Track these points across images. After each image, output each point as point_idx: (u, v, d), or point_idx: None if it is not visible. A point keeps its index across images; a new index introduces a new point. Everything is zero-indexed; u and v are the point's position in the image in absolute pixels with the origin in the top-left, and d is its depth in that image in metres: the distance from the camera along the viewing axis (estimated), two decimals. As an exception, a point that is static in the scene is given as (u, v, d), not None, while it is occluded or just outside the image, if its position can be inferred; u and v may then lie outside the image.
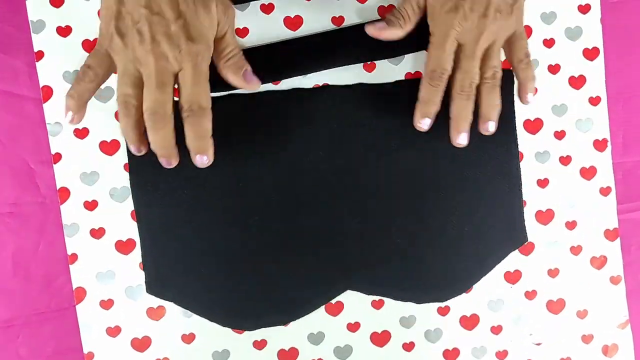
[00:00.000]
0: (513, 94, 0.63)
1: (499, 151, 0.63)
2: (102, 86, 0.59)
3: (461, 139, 0.58)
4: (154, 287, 0.61)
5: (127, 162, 0.61)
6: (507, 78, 0.62)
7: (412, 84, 0.61)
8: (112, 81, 0.59)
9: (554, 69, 0.64)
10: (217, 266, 0.62)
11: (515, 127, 0.64)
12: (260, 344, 0.63)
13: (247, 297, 0.62)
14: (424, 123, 0.59)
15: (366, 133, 0.62)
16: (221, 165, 0.60)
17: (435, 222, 0.63)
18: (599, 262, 0.65)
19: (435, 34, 0.57)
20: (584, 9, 0.64)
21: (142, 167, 0.61)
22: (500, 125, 0.59)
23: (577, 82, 0.64)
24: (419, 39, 0.60)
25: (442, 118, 0.59)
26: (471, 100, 0.57)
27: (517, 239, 0.64)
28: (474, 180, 0.63)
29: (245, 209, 0.61)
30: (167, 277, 0.61)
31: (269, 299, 0.62)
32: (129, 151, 0.60)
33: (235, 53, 0.55)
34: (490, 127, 0.59)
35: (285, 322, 0.63)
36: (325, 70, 0.62)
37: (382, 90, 0.63)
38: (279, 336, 0.63)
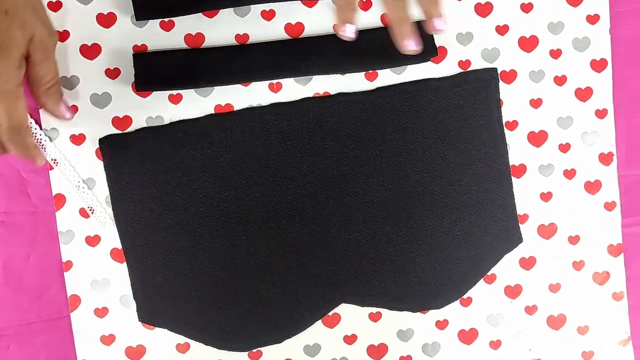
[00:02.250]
0: (498, 93, 0.62)
1: (487, 151, 0.62)
2: (100, 92, 0.59)
3: (409, 45, 0.52)
4: (145, 315, 0.61)
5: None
6: (491, 77, 0.62)
7: (395, 90, 0.61)
8: (110, 88, 0.59)
9: (560, 80, 0.63)
10: (207, 289, 0.61)
11: (503, 126, 0.63)
12: (255, 355, 0.62)
13: (240, 318, 0.61)
14: (346, 30, 0.53)
15: (351, 142, 0.61)
16: (204, 187, 0.60)
17: (425, 228, 0.62)
18: (602, 278, 0.64)
19: None
20: (593, 20, 0.63)
21: (123, 198, 0.60)
22: (486, 124, 0.59)
23: (583, 94, 0.63)
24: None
25: (427, 122, 0.59)
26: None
27: (511, 240, 0.63)
28: (463, 183, 0.62)
29: (232, 229, 0.61)
30: (158, 304, 0.61)
31: (262, 319, 0.61)
32: (109, 181, 0.60)
33: (55, 82, 0.54)
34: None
35: (280, 341, 0.62)
36: (327, 80, 0.61)
37: (365, 98, 0.61)
38: (274, 348, 0.62)
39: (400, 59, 0.59)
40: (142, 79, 0.59)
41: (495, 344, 0.64)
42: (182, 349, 0.61)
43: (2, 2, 0.47)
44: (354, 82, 0.62)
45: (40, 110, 0.59)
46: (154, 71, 0.59)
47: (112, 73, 0.60)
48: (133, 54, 0.59)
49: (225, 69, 0.60)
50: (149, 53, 0.60)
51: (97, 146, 0.60)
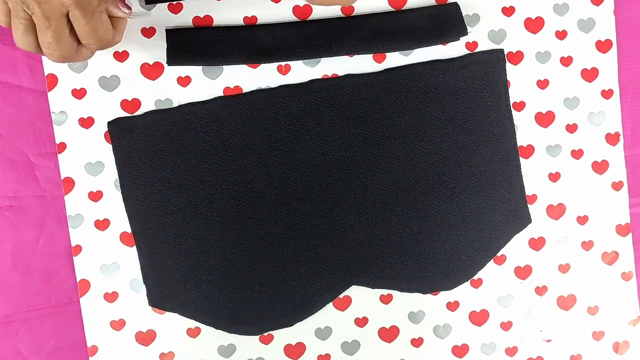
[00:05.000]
0: (505, 74, 0.62)
1: (495, 132, 0.62)
2: (108, 75, 0.59)
3: None
4: (155, 299, 0.60)
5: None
6: (498, 58, 0.62)
7: (403, 71, 0.61)
8: (118, 70, 0.59)
9: (566, 61, 0.63)
10: (217, 272, 0.61)
11: (510, 107, 0.63)
12: (266, 339, 0.62)
13: (250, 301, 0.61)
14: None
15: (359, 124, 0.61)
16: (214, 169, 0.60)
17: (434, 209, 0.62)
18: (611, 258, 0.64)
19: None
20: (597, 1, 0.63)
21: (132, 181, 0.60)
22: (494, 105, 0.60)
23: (589, 74, 0.64)
24: (431, 33, 0.60)
25: (434, 103, 0.59)
26: None
27: (520, 220, 0.63)
28: (471, 164, 0.62)
29: (241, 211, 0.60)
30: (168, 288, 0.60)
31: (272, 302, 0.61)
32: (118, 165, 0.60)
33: None
34: None
35: (291, 324, 0.62)
36: (336, 62, 0.61)
37: (373, 80, 0.62)
38: (285, 331, 0.62)
39: (429, 39, 0.61)
40: (174, 54, 0.59)
41: (506, 325, 0.64)
42: (193, 333, 0.61)
43: None
44: (362, 64, 0.62)
45: (49, 93, 0.59)
46: (186, 47, 0.59)
47: (121, 56, 0.59)
48: (166, 29, 0.59)
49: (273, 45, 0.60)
50: (182, 29, 0.60)
51: (106, 129, 0.59)
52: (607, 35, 0.63)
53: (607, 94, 0.64)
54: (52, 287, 0.60)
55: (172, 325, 0.61)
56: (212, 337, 0.61)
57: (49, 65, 0.59)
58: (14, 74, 0.59)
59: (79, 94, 0.59)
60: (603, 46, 0.64)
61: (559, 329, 0.64)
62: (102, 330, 0.60)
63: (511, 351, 0.64)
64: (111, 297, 0.60)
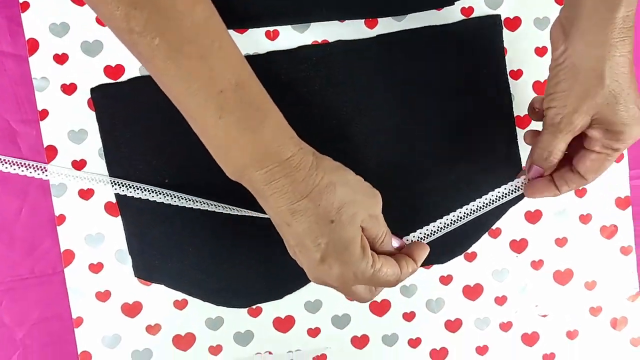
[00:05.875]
0: (502, 41, 0.61)
1: (490, 101, 0.60)
2: (91, 40, 0.57)
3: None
4: (141, 270, 0.59)
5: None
6: (494, 24, 0.60)
7: (396, 38, 0.59)
8: (101, 35, 0.57)
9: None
10: (204, 244, 0.59)
11: (507, 75, 0.61)
12: (255, 312, 0.60)
13: (238, 273, 0.60)
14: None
15: (350, 92, 0.59)
16: (199, 140, 0.58)
17: (428, 181, 0.60)
18: (609, 232, 0.63)
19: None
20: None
21: (117, 149, 0.58)
22: (489, 73, 0.58)
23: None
24: None
25: (428, 71, 0.58)
26: None
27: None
28: (466, 134, 0.60)
29: (230, 181, 0.59)
30: (154, 259, 0.59)
31: (261, 274, 0.60)
32: (102, 133, 0.58)
33: (385, 233, 0.50)
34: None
35: (280, 297, 0.61)
36: (326, 27, 0.59)
37: (364, 46, 0.60)
38: (274, 304, 0.61)
39: (423, 3, 0.59)
40: None
41: (500, 300, 0.62)
42: (180, 305, 0.60)
43: (325, 214, 0.46)
44: (354, 29, 0.60)
45: (30, 59, 0.57)
46: None
47: (104, 20, 0.58)
48: None
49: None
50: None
51: (89, 96, 0.58)
52: None
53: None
54: (36, 257, 0.59)
55: (159, 297, 0.60)
56: (200, 309, 0.60)
57: (30, 30, 0.57)
58: (-6, 39, 0.57)
59: (61, 59, 0.58)
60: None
61: (555, 304, 0.63)
62: (87, 302, 0.59)
63: (505, 326, 0.62)
64: (96, 267, 0.59)
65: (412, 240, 0.53)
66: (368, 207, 0.48)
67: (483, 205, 0.57)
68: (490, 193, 0.56)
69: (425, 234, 0.55)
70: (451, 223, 0.56)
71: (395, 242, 0.51)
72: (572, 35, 0.49)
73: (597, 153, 0.51)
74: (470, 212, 0.57)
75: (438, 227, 0.56)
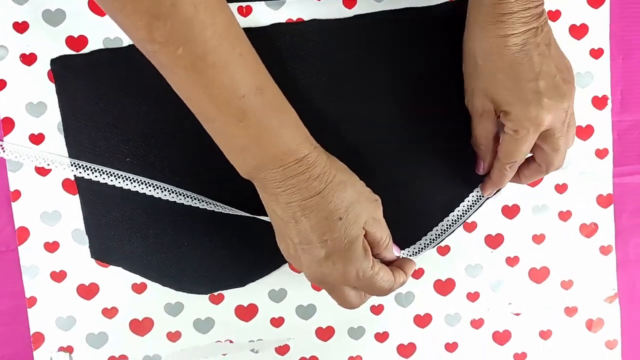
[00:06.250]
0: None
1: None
2: (53, 8, 0.55)
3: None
4: (98, 252, 0.57)
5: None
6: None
7: (372, 18, 0.57)
8: (64, 4, 0.55)
9: (554, 15, 0.59)
10: (165, 226, 0.57)
11: None
12: (217, 299, 0.58)
13: (200, 258, 0.58)
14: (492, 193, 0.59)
15: (324, 75, 0.57)
16: (166, 116, 0.56)
17: (402, 170, 0.58)
18: (589, 230, 0.60)
19: (523, 132, 0.51)
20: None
21: (76, 124, 0.56)
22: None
23: (578, 31, 0.59)
24: None
25: (404, 55, 0.56)
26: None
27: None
28: (443, 122, 0.58)
29: (193, 162, 0.56)
30: (112, 241, 0.57)
31: (223, 260, 0.58)
32: (61, 107, 0.56)
33: (388, 238, 0.51)
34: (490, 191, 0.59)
35: (242, 284, 0.59)
36: (302, 4, 0.57)
37: (339, 26, 0.57)
38: (237, 291, 0.59)
39: None
40: None
41: (472, 296, 0.60)
42: (139, 289, 0.58)
43: (335, 211, 0.47)
44: (331, 9, 0.57)
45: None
46: None
47: (67, -12, 0.55)
48: None
49: None
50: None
51: (49, 67, 0.55)
52: (600, -11, 0.59)
53: (596, 54, 0.59)
54: (-11, 234, 0.57)
55: (117, 280, 0.58)
56: (159, 294, 0.58)
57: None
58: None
59: (21, 27, 0.55)
60: (595, 1, 0.59)
61: (529, 302, 0.61)
62: (41, 281, 0.57)
63: (477, 323, 0.60)
64: (52, 246, 0.57)
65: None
66: (371, 210, 0.49)
67: (453, 222, 0.59)
68: (457, 209, 0.59)
69: (409, 253, 0.59)
70: (430, 242, 0.59)
71: (395, 251, 0.53)
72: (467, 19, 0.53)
73: (505, 134, 0.52)
74: (445, 229, 0.59)
75: (419, 247, 0.59)
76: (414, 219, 0.59)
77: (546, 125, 0.50)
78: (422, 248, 0.59)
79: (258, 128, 0.44)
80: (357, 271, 0.48)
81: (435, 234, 0.59)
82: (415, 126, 0.58)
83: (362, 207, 0.48)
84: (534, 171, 0.55)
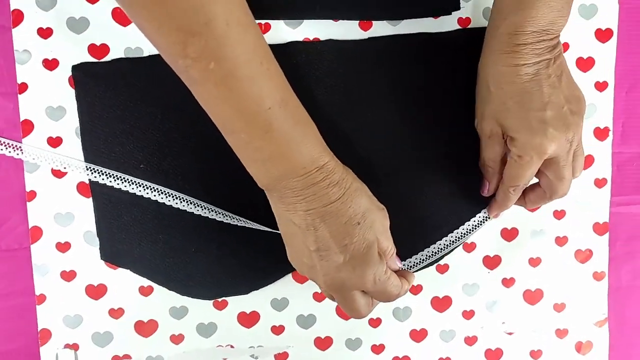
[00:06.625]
0: None
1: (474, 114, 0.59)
2: (77, 16, 0.56)
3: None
4: (108, 254, 0.59)
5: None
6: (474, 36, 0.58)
7: (386, 41, 0.59)
8: (88, 12, 0.56)
9: (562, 47, 0.60)
10: (174, 233, 0.59)
11: None
12: (221, 305, 0.60)
13: (206, 265, 0.59)
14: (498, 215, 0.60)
15: (337, 93, 0.58)
16: (180, 126, 0.57)
17: (408, 186, 0.60)
18: (584, 256, 0.62)
19: (527, 158, 0.53)
20: (602, -14, 0.60)
21: (93, 130, 0.57)
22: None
23: (585, 64, 0.60)
24: (422, 4, 0.58)
25: (415, 77, 0.58)
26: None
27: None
28: (451, 144, 0.60)
29: (204, 172, 0.58)
30: (122, 244, 0.58)
31: (229, 268, 0.59)
32: (80, 112, 0.57)
33: (393, 249, 0.53)
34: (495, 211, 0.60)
35: (246, 292, 0.60)
36: (319, 25, 0.58)
37: (355, 47, 0.59)
38: (240, 298, 0.60)
39: (420, 10, 0.59)
40: None
41: (468, 314, 0.62)
42: (145, 292, 0.59)
43: (354, 216, 0.49)
44: (347, 30, 0.58)
45: (13, 30, 0.56)
46: None
47: (92, -3, 0.57)
48: None
49: None
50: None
51: (70, 73, 0.57)
52: (608, 24, 0.60)
53: (601, 86, 0.61)
54: (3, 232, 0.58)
55: (124, 282, 0.59)
56: (165, 297, 0.60)
57: (16, 0, 0.56)
58: (-24, 6, 0.56)
59: (45, 33, 0.56)
60: (603, 35, 0.60)
61: (522, 322, 0.63)
62: (51, 280, 0.59)
63: (470, 340, 0.62)
64: (63, 247, 0.58)
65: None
66: (381, 219, 0.51)
67: (456, 239, 0.60)
68: (462, 227, 0.60)
69: (407, 265, 0.60)
70: (430, 256, 0.60)
71: (398, 262, 0.54)
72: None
73: (511, 158, 0.54)
74: (445, 247, 0.60)
75: (419, 259, 0.60)
76: (415, 233, 0.60)
77: (550, 154, 0.52)
78: (422, 261, 0.60)
79: (283, 138, 0.46)
80: (374, 275, 0.50)
81: (435, 250, 0.60)
82: (424, 146, 0.59)
83: (375, 215, 0.50)
84: (538, 197, 0.57)
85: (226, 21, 0.41)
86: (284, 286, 0.60)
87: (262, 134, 0.45)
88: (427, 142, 0.59)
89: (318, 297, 0.61)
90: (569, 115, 0.52)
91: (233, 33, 0.42)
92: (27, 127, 0.57)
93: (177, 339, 0.60)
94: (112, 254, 0.58)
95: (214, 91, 0.44)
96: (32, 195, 0.58)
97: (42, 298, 0.59)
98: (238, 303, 0.60)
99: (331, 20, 0.58)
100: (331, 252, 0.48)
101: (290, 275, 0.60)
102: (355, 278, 0.49)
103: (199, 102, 0.46)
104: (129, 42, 0.57)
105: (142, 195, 0.58)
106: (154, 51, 0.55)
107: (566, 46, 0.60)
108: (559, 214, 0.62)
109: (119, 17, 0.57)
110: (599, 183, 0.62)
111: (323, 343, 0.62)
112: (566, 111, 0.51)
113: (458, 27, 0.59)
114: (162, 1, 0.40)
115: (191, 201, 0.58)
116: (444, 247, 0.60)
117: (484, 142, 0.56)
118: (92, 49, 0.57)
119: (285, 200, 0.48)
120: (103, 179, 0.57)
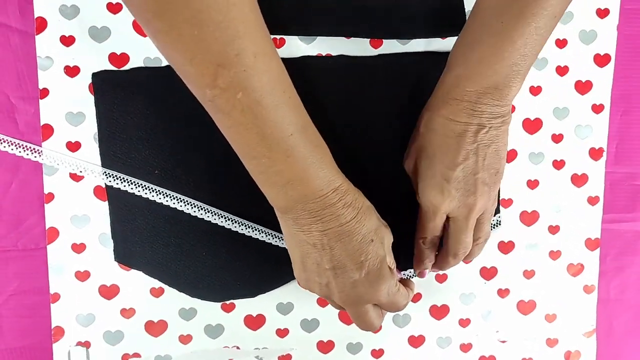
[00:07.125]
0: None
1: None
2: (99, 25, 0.58)
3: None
4: (122, 255, 0.61)
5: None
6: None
7: (397, 59, 0.61)
8: (110, 22, 0.58)
9: (562, 70, 0.63)
10: (186, 237, 0.61)
11: None
12: (228, 307, 0.62)
13: (216, 269, 0.61)
14: (423, 274, 0.60)
15: (347, 107, 0.61)
16: (194, 135, 0.59)
17: (411, 199, 0.60)
18: (576, 270, 0.65)
19: (425, 209, 0.55)
20: (602, 13, 0.62)
21: (111, 135, 0.59)
22: None
23: (583, 87, 0.63)
24: (430, 25, 0.60)
25: (425, 96, 0.57)
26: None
27: None
28: None
29: (216, 179, 0.60)
30: (135, 246, 0.60)
31: (238, 272, 0.62)
32: (98, 118, 0.59)
33: (394, 265, 0.55)
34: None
35: (253, 295, 0.62)
36: (332, 41, 0.60)
37: (365, 63, 0.61)
38: (247, 301, 0.62)
39: (428, 30, 0.61)
40: None
41: (464, 322, 0.65)
42: (156, 293, 0.61)
43: (367, 234, 0.51)
44: (358, 47, 0.61)
45: (37, 37, 0.58)
46: None
47: (114, 7, 0.58)
48: None
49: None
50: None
51: (91, 81, 0.59)
52: (606, 50, 0.63)
53: (597, 109, 0.64)
54: (20, 232, 0.60)
55: (136, 283, 0.61)
56: (175, 298, 0.62)
57: (40, 8, 0.57)
58: (3, 13, 0.57)
59: (68, 41, 0.58)
60: (601, 60, 0.63)
61: (515, 331, 0.65)
62: (66, 279, 0.60)
63: (465, 347, 0.65)
64: (79, 247, 0.60)
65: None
66: (389, 236, 0.54)
67: None
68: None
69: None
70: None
71: (398, 274, 0.57)
72: None
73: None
74: None
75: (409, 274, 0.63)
76: (409, 246, 0.62)
77: (444, 212, 0.54)
78: (413, 273, 0.63)
79: (303, 163, 0.47)
80: (387, 288, 0.52)
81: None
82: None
83: (383, 231, 0.53)
84: (442, 257, 0.58)
85: (254, 53, 0.43)
86: (290, 291, 0.63)
87: (284, 159, 0.47)
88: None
89: (322, 302, 0.63)
90: (478, 183, 0.52)
91: (260, 63, 0.44)
92: (47, 131, 0.59)
93: (185, 339, 0.62)
94: (125, 256, 0.60)
95: (239, 119, 0.45)
96: (50, 197, 0.59)
97: (56, 297, 0.60)
98: (245, 306, 0.62)
99: (344, 38, 0.60)
100: (347, 270, 0.50)
101: (295, 280, 0.62)
102: (372, 292, 0.52)
103: (221, 128, 0.47)
104: (149, 52, 0.59)
105: (155, 200, 0.60)
106: (173, 61, 0.57)
107: (566, 69, 0.63)
108: (553, 229, 0.65)
109: (139, 28, 0.58)
110: (592, 201, 0.65)
111: (325, 346, 0.64)
112: (477, 179, 0.52)
113: (464, 47, 0.61)
114: (198, 35, 0.41)
115: (202, 207, 0.60)
116: None
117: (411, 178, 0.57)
118: (113, 57, 0.58)
119: (300, 221, 0.50)
120: (119, 184, 0.59)
